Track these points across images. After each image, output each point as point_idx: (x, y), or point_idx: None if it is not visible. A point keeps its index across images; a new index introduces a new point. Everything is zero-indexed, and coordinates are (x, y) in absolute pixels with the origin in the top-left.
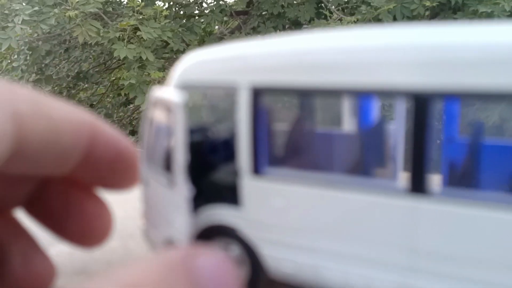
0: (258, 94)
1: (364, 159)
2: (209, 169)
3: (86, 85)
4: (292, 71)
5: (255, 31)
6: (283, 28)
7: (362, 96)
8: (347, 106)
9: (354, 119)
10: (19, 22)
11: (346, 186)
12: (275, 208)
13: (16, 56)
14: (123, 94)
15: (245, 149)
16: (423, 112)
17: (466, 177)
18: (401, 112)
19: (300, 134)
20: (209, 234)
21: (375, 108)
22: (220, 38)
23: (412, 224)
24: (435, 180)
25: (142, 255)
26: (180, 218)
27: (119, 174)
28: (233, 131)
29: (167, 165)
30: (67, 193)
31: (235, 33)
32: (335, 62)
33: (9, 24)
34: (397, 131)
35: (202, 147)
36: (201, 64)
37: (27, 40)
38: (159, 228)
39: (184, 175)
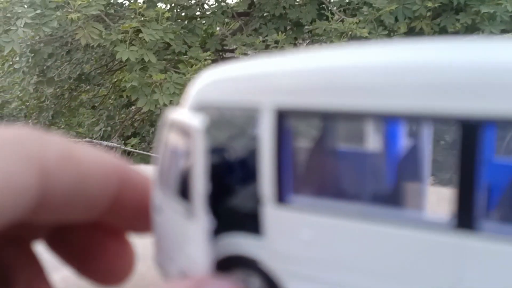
0: (283, 116)
1: (402, 189)
2: (228, 193)
3: (88, 87)
4: (323, 92)
5: (256, 32)
6: (285, 30)
7: (400, 121)
8: (383, 131)
9: (390, 146)
10: (22, 25)
11: (381, 219)
12: (301, 240)
13: (18, 59)
14: (125, 96)
15: (268, 175)
16: (472, 139)
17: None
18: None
19: (329, 160)
20: (228, 265)
21: (410, 134)
22: (221, 40)
23: (458, 266)
24: (484, 213)
25: (153, 281)
26: (198, 251)
27: (146, 219)
28: (254, 153)
29: (185, 192)
30: (92, 234)
31: (236, 34)
32: (372, 82)
33: (12, 28)
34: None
35: (220, 170)
36: (219, 82)
37: (29, 43)
38: (173, 259)
39: (204, 205)
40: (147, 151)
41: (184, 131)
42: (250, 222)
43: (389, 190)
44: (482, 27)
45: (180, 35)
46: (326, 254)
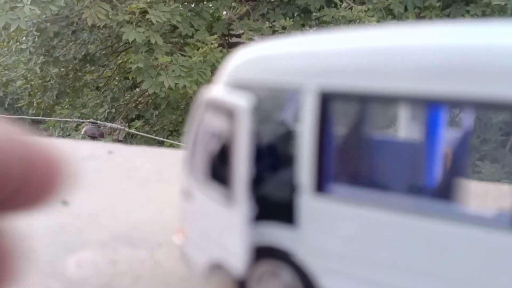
0: (328, 99)
1: (451, 179)
2: (264, 181)
3: (93, 68)
4: (374, 75)
5: (264, 17)
6: (292, 16)
7: (458, 106)
8: (410, 113)
9: (445, 133)
10: (28, 3)
11: (432, 213)
12: (340, 235)
13: (24, 38)
14: (130, 78)
15: (307, 162)
16: None
17: None
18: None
19: (376, 148)
20: (258, 255)
21: (467, 120)
22: (228, 24)
23: None
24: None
25: (173, 269)
26: (237, 241)
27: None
28: (294, 138)
29: (223, 177)
30: None
31: (243, 19)
32: (426, 63)
33: (18, 5)
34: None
35: (257, 155)
36: (260, 60)
37: (35, 21)
38: (203, 248)
39: (246, 192)
40: (151, 134)
41: (226, 110)
42: (285, 212)
43: (436, 183)
44: (492, 19)
45: (187, 17)
46: (368, 251)
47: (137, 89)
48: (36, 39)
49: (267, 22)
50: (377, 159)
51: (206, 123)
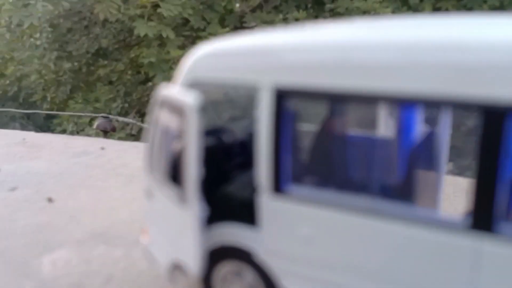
0: (284, 97)
1: (414, 182)
2: (223, 180)
3: (106, 62)
4: (329, 71)
5: (277, 9)
6: (306, 8)
7: (411, 105)
8: (395, 116)
9: (402, 133)
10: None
11: (388, 215)
12: (299, 235)
13: (38, 35)
14: (142, 72)
15: (265, 162)
16: (496, 129)
17: None
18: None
19: (333, 147)
20: (221, 255)
21: (421, 120)
22: (241, 17)
23: (472, 269)
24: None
25: (146, 268)
26: (190, 240)
27: None
28: (251, 137)
29: (176, 177)
30: None
31: (256, 11)
32: (383, 61)
33: (31, 1)
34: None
35: (215, 154)
36: (215, 57)
37: (48, 17)
38: (164, 247)
39: (197, 190)
40: None
41: (177, 109)
42: (245, 212)
43: (400, 183)
44: (510, 9)
45: (199, 10)
46: (326, 253)
47: (150, 83)
48: (50, 35)
49: (280, 14)
50: (339, 158)
51: (161, 122)
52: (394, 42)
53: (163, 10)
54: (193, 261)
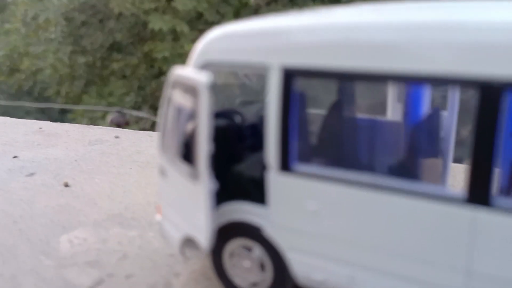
0: (291, 76)
1: (416, 158)
2: (234, 159)
3: (120, 56)
4: (333, 51)
5: (292, 2)
6: (321, 0)
7: (415, 83)
8: (396, 95)
9: (407, 111)
10: None
11: (391, 189)
12: (306, 210)
13: (53, 29)
14: (156, 67)
15: (274, 141)
16: (492, 105)
17: None
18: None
19: (339, 126)
20: (229, 231)
21: (425, 96)
22: (256, 10)
23: (470, 240)
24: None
25: (160, 247)
26: (201, 214)
27: None
28: (261, 117)
29: (189, 154)
30: None
31: (271, 4)
32: (387, 41)
33: None
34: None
35: (223, 133)
36: (226, 40)
37: (63, 11)
38: (177, 223)
39: (208, 166)
40: None
41: (189, 88)
42: (255, 190)
43: (403, 160)
44: None
45: (213, 4)
46: (332, 226)
47: (164, 78)
48: (65, 29)
49: (295, 8)
50: (343, 138)
51: (174, 101)
52: (396, 23)
53: (178, 4)
54: (204, 235)
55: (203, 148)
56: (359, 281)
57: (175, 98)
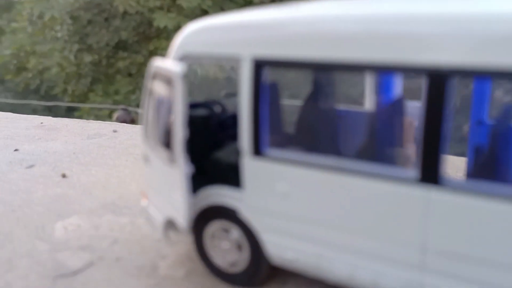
0: (261, 67)
1: (377, 142)
2: (212, 147)
3: (125, 55)
4: (300, 42)
5: (296, 1)
6: None
7: (380, 73)
8: (368, 85)
9: (370, 97)
10: None
11: (355, 172)
12: (277, 192)
13: (59, 27)
14: None
15: (247, 128)
16: (440, 90)
17: (493, 166)
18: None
19: (307, 112)
20: (209, 214)
21: (394, 86)
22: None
23: (423, 218)
24: (458, 168)
25: (149, 232)
26: (179, 195)
27: None
28: (235, 105)
29: (167, 141)
30: None
31: (276, 1)
32: (350, 32)
33: None
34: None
35: (204, 123)
36: (202, 33)
37: (69, 9)
38: (159, 206)
39: (183, 151)
40: None
41: (167, 78)
42: (231, 174)
43: (367, 143)
44: None
45: (218, 2)
46: (301, 207)
47: None
48: (71, 28)
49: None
50: (311, 123)
51: (154, 91)
52: (357, 15)
53: (183, 1)
54: (182, 215)
55: (179, 134)
56: (327, 260)
57: (155, 88)
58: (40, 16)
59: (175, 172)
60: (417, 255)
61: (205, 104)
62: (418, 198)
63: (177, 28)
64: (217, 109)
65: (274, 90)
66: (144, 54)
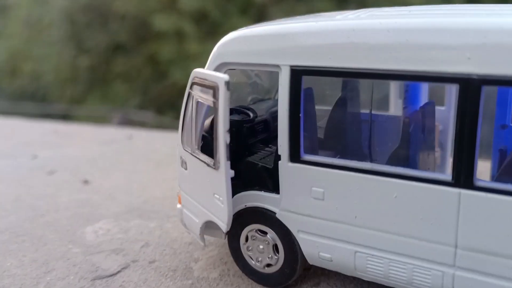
0: (300, 76)
1: (410, 148)
2: (250, 151)
3: (124, 58)
4: (337, 51)
5: (300, 1)
6: None
7: (411, 81)
8: (393, 90)
9: (403, 105)
10: None
11: (389, 176)
12: (313, 196)
13: (57, 31)
14: (161, 69)
15: (285, 134)
16: (474, 98)
17: None
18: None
19: (343, 118)
20: (245, 217)
21: (423, 93)
22: (262, 9)
23: (456, 218)
24: (483, 172)
25: (179, 236)
26: (223, 199)
27: None
28: (272, 113)
29: (209, 145)
30: None
31: (280, 4)
32: (383, 43)
33: None
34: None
35: (238, 128)
36: (242, 42)
37: (67, 13)
38: (196, 210)
39: (227, 155)
40: None
41: (209, 85)
42: (268, 178)
43: (399, 149)
44: None
45: (219, 4)
46: (338, 209)
47: (168, 80)
48: (68, 31)
49: (304, 6)
50: (346, 130)
51: (195, 97)
52: (385, 27)
53: (183, 3)
54: (225, 218)
55: (222, 139)
56: (362, 259)
57: (195, 96)
58: (37, 20)
59: (217, 176)
60: (450, 253)
61: (237, 110)
62: (451, 199)
63: (177, 31)
64: (248, 114)
65: (311, 98)
66: (143, 58)
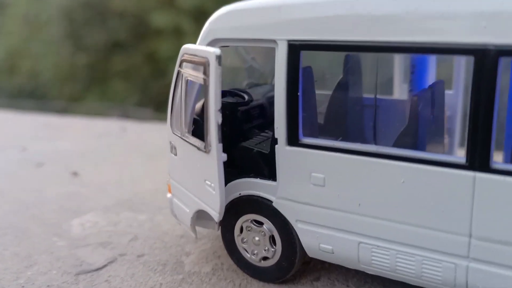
0: (298, 51)
1: (418, 128)
2: (244, 137)
3: (122, 56)
4: (339, 23)
5: None
6: None
7: (421, 53)
8: (399, 66)
9: (408, 82)
10: None
11: (396, 160)
12: (313, 182)
13: (55, 29)
14: (159, 66)
15: (282, 115)
16: (490, 70)
17: None
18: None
19: (346, 100)
20: (240, 206)
21: (432, 69)
22: None
23: (470, 204)
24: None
25: (170, 229)
26: (215, 185)
27: None
28: (272, 98)
29: (199, 128)
30: None
31: None
32: (388, 12)
33: None
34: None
35: (237, 111)
36: (233, 16)
37: (65, 10)
38: (187, 199)
39: (218, 137)
40: None
41: (199, 61)
42: (264, 164)
43: (405, 131)
44: None
45: (218, 0)
46: (338, 196)
47: (167, 78)
48: (66, 29)
49: None
50: (348, 111)
51: (183, 78)
52: None
53: (182, 0)
54: (217, 206)
55: (214, 119)
56: (366, 251)
57: (184, 74)
58: (36, 17)
59: (208, 161)
60: (463, 244)
61: (231, 92)
62: (465, 184)
63: (175, 28)
64: (242, 97)
65: (310, 76)
66: (141, 55)
